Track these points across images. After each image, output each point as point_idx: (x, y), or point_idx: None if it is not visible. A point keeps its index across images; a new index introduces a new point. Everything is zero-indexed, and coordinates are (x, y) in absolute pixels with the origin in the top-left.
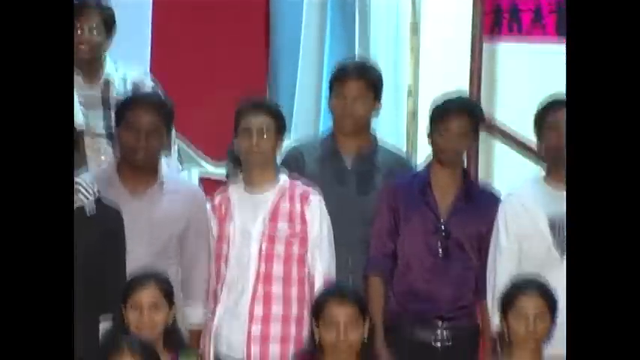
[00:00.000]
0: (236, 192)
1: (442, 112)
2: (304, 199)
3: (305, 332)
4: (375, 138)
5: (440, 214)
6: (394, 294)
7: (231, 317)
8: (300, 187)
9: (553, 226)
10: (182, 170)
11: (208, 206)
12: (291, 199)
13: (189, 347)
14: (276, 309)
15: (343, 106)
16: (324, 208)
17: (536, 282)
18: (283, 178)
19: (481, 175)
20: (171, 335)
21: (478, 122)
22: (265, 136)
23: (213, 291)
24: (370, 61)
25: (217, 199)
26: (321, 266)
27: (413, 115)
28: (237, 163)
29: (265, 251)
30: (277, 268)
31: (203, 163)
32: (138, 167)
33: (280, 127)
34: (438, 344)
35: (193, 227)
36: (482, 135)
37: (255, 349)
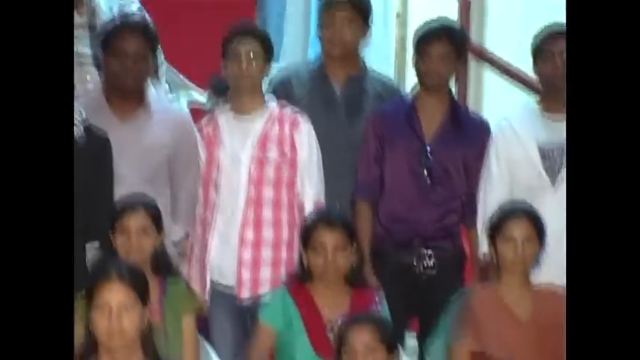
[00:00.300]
0: (224, 117)
1: (423, 37)
2: (293, 123)
3: (296, 257)
4: (364, 64)
5: (425, 139)
6: (379, 218)
7: (222, 243)
8: (289, 112)
9: (543, 154)
10: (170, 94)
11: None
12: (281, 123)
13: (177, 272)
14: (267, 233)
15: (332, 32)
16: (313, 133)
17: (525, 207)
18: (272, 103)
19: (471, 104)
20: (160, 260)
21: (461, 46)
22: (254, 61)
23: (202, 217)
24: None
25: (205, 124)
26: (311, 191)
27: (402, 42)
28: (218, 92)
29: (255, 175)
30: (267, 192)
31: (192, 90)
32: (125, 93)
33: (268, 51)
34: (422, 268)
35: (182, 152)
36: (472, 63)
37: (246, 274)
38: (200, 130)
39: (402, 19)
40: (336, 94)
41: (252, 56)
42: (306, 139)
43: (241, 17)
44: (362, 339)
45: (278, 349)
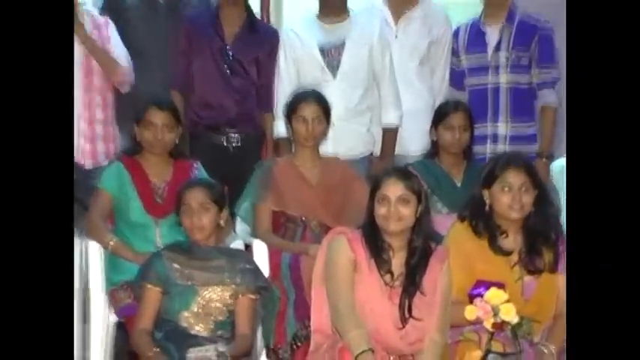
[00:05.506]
0: None
1: None
2: None
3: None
4: None
5: (226, 41)
6: (191, 106)
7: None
8: None
9: (323, 52)
10: None
11: None
12: None
13: None
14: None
15: None
16: None
17: (314, 92)
18: None
19: (272, 15)
20: None
21: None
22: None
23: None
24: None
25: None
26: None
27: None
28: None
29: None
30: None
31: None
32: None
33: None
34: (230, 146)
35: None
36: None
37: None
38: None
39: None
40: (159, 3)
41: None
42: None
43: None
44: (196, 198)
45: (115, 211)
